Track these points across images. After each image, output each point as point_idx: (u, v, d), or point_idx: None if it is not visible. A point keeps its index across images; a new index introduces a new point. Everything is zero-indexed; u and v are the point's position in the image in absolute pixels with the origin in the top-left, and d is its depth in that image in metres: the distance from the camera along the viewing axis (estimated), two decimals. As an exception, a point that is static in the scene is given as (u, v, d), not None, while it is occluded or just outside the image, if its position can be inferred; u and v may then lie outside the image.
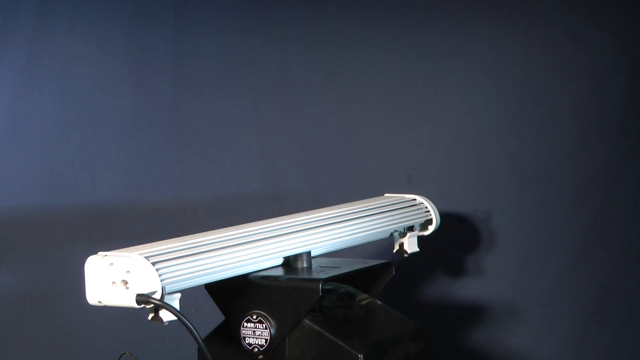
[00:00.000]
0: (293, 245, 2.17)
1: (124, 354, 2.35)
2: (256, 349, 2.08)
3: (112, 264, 1.77)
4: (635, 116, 2.71)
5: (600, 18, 2.69)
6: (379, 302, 2.37)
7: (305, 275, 2.16)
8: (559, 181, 2.77)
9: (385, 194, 2.64)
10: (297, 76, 2.89)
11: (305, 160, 2.90)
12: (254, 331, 2.08)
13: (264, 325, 2.08)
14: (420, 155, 2.84)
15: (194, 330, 1.82)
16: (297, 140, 2.91)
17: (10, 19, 2.92)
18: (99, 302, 1.80)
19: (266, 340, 2.08)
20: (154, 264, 1.79)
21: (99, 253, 1.82)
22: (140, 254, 1.80)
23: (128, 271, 1.76)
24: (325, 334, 2.07)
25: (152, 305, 1.80)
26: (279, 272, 2.19)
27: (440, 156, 2.83)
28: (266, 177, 2.92)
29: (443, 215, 2.85)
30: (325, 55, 2.88)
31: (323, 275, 2.13)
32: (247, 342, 2.09)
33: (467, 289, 2.86)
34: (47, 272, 2.96)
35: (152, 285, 1.78)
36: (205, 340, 2.15)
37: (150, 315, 1.82)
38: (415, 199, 2.59)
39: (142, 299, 1.77)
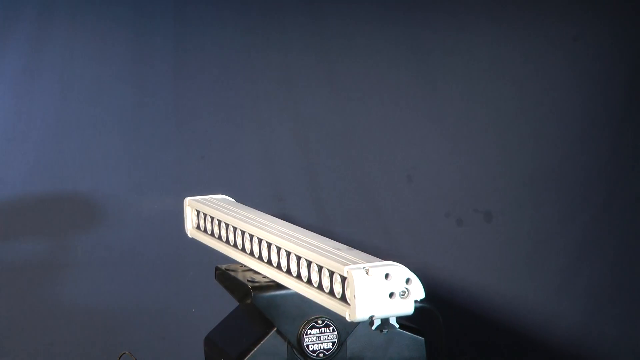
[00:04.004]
0: None
1: (124, 354, 2.35)
2: (322, 354, 2.05)
3: (388, 274, 1.72)
4: (635, 116, 2.71)
5: (600, 18, 2.69)
6: None
7: None
8: (559, 181, 2.77)
9: (187, 198, 2.53)
10: (297, 76, 2.89)
11: (305, 160, 2.90)
12: (319, 337, 2.05)
13: (330, 328, 2.05)
14: (420, 155, 2.84)
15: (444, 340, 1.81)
16: (297, 140, 2.91)
17: (10, 19, 2.92)
18: (372, 316, 1.72)
19: (333, 343, 2.05)
20: None
21: (352, 266, 1.72)
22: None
23: (408, 279, 1.72)
24: (389, 325, 2.07)
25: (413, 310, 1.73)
26: None
27: (440, 156, 2.83)
28: (266, 177, 2.92)
29: (443, 215, 2.86)
30: (325, 55, 2.88)
31: None
32: (310, 349, 2.06)
33: (467, 289, 2.86)
34: (47, 272, 2.96)
35: (422, 290, 1.75)
36: (248, 355, 2.10)
37: (376, 325, 1.77)
38: (226, 198, 2.57)
39: (418, 305, 1.73)
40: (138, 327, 2.95)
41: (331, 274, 1.80)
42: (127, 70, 2.95)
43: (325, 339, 2.06)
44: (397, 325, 1.74)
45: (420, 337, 2.10)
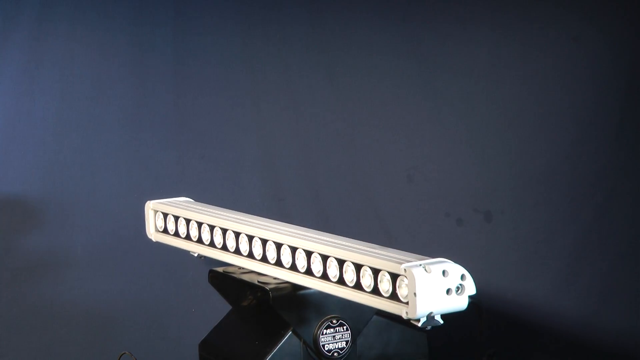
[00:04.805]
0: None
1: (124, 354, 2.35)
2: (336, 354, 2.09)
3: (446, 271, 1.75)
4: (635, 116, 2.71)
5: (600, 18, 2.69)
6: None
7: None
8: (559, 181, 2.77)
9: (150, 201, 2.49)
10: (297, 76, 2.89)
11: (305, 160, 2.90)
12: (333, 336, 2.09)
13: (344, 327, 2.09)
14: (420, 155, 2.84)
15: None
16: (297, 140, 2.91)
17: (11, 19, 2.92)
18: (430, 312, 1.75)
19: (347, 342, 2.09)
20: None
21: (409, 264, 1.76)
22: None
23: (463, 275, 1.76)
24: (393, 322, 2.13)
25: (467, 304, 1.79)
26: None
27: (440, 156, 2.83)
28: (266, 177, 2.92)
29: (443, 215, 2.85)
30: (325, 55, 2.88)
31: None
32: (326, 349, 2.08)
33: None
34: (48, 272, 2.96)
35: (474, 286, 1.79)
36: (267, 357, 2.11)
37: (423, 322, 1.78)
38: (189, 200, 2.55)
39: (470, 300, 1.78)
40: (138, 327, 2.95)
41: (376, 272, 1.80)
42: (127, 70, 2.95)
43: (339, 338, 2.10)
44: (441, 322, 1.75)
45: (422, 333, 2.15)
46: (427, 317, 1.74)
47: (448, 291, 1.73)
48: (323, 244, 1.94)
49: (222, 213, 2.30)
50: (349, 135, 2.88)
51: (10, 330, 2.95)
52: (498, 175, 2.81)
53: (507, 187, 2.80)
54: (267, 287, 2.07)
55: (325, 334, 2.08)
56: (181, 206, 2.40)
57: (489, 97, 2.79)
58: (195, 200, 2.97)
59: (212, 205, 2.41)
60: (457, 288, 1.74)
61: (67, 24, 2.94)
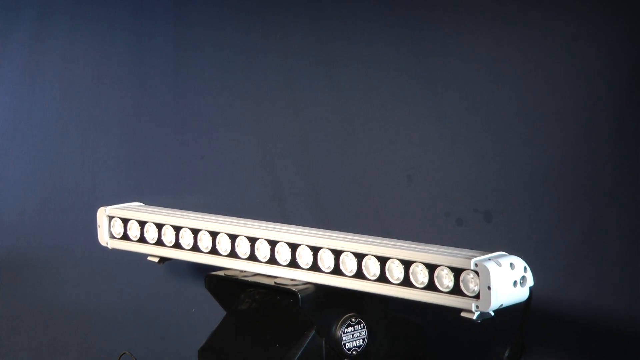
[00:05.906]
0: None
1: (124, 354, 2.35)
2: (355, 352, 2.12)
3: (513, 264, 1.85)
4: (635, 116, 2.71)
5: (600, 18, 2.69)
6: None
7: None
8: (559, 181, 2.77)
9: (106, 207, 2.48)
10: (297, 76, 2.89)
11: (305, 160, 2.90)
12: (352, 334, 2.12)
13: (362, 325, 2.13)
14: (420, 155, 2.84)
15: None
16: (297, 140, 2.91)
17: (11, 19, 2.93)
18: (501, 305, 1.85)
19: (363, 339, 2.14)
20: None
21: (480, 259, 1.85)
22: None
23: (525, 267, 1.86)
24: (398, 317, 2.20)
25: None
26: None
27: (440, 156, 2.83)
28: (266, 177, 2.92)
29: (443, 215, 2.85)
30: (325, 55, 2.88)
31: None
32: (346, 347, 2.11)
33: (467, 289, 2.85)
34: (48, 272, 2.96)
35: (532, 277, 1.88)
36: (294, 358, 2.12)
37: (477, 315, 1.85)
38: (142, 205, 2.53)
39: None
40: (138, 327, 2.95)
41: (432, 268, 1.84)
42: (127, 70, 2.95)
43: (357, 336, 2.14)
44: (492, 313, 1.81)
45: (422, 327, 2.24)
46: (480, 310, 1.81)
47: (515, 283, 1.82)
48: (358, 242, 1.97)
49: (199, 216, 2.31)
50: (349, 135, 2.88)
51: (10, 330, 2.96)
52: (498, 175, 2.80)
53: (507, 187, 2.80)
54: (294, 289, 2.07)
55: (346, 332, 2.11)
56: (150, 211, 2.39)
57: (489, 97, 2.79)
58: (195, 200, 2.98)
59: (170, 207, 2.41)
60: (521, 280, 1.83)
61: (67, 24, 2.95)
